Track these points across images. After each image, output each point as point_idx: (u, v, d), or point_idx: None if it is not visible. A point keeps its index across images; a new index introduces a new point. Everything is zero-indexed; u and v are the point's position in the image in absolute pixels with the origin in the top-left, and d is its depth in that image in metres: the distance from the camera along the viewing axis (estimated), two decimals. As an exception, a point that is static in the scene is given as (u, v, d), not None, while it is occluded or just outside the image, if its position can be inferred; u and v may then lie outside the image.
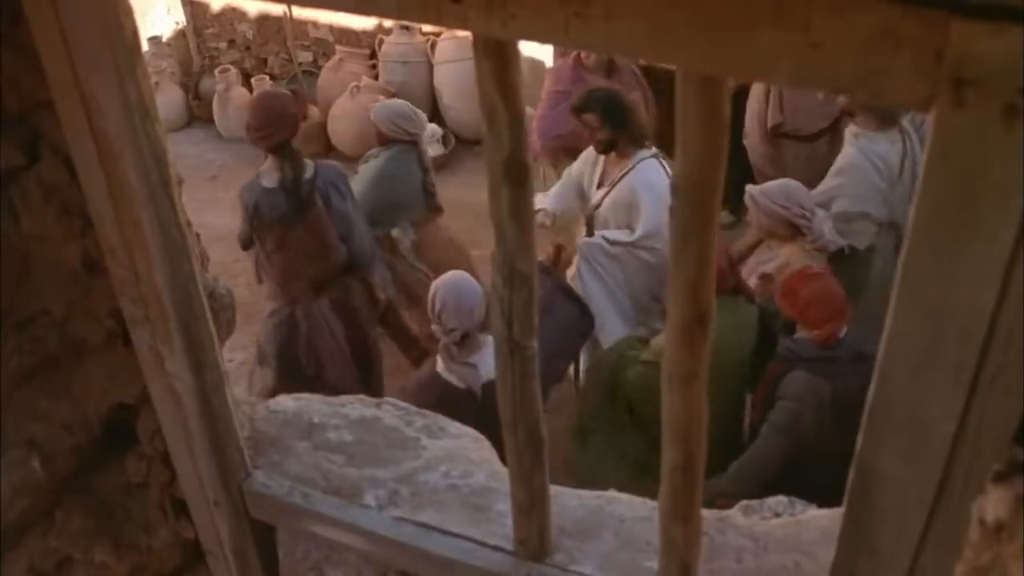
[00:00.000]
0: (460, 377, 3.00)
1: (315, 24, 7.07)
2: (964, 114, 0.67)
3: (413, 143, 4.38)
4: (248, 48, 7.44)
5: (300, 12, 6.96)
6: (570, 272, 3.91)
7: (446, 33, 6.33)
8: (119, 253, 1.29)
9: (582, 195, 4.16)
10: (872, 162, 3.94)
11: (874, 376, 0.87)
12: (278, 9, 6.97)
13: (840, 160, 4.00)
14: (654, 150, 3.98)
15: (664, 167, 3.90)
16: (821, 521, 1.33)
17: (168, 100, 6.97)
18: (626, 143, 3.92)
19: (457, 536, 1.39)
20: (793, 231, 3.61)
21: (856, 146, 3.96)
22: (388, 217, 4.39)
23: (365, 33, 6.84)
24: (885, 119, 3.96)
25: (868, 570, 1.01)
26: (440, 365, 3.06)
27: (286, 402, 1.69)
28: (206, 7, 7.42)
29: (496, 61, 0.92)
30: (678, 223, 0.90)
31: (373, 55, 6.80)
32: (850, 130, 4.02)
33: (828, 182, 3.96)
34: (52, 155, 1.27)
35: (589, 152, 4.13)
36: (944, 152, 0.70)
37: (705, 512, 1.21)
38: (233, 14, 7.36)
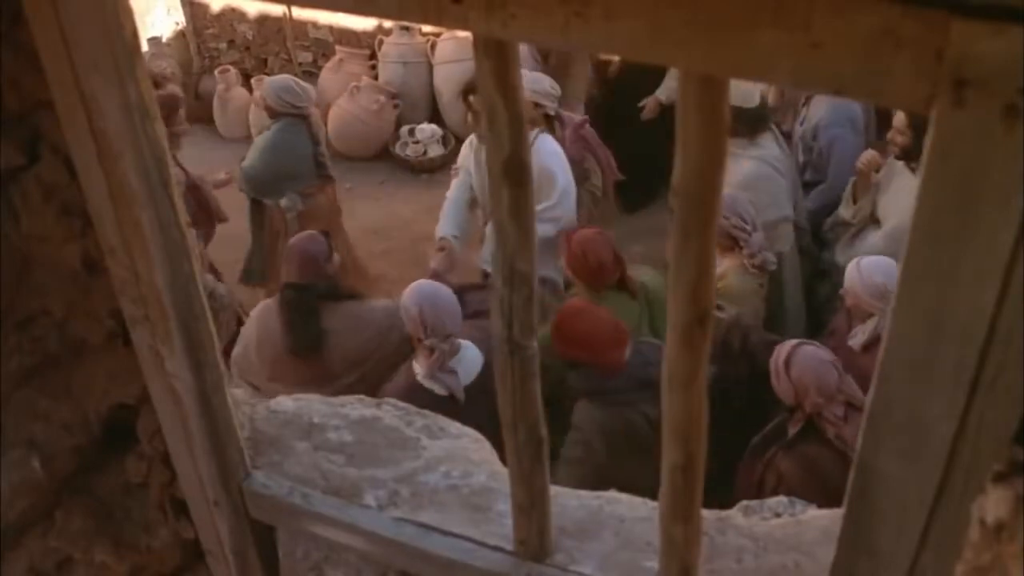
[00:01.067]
0: (444, 384, 2.94)
1: (315, 24, 7.07)
2: (964, 114, 0.67)
3: (301, 116, 4.63)
4: (248, 48, 7.43)
5: (300, 12, 6.95)
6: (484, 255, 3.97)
7: (446, 33, 6.33)
8: (119, 253, 1.29)
9: (474, 200, 4.18)
10: (773, 166, 4.05)
11: (874, 376, 0.87)
12: (278, 9, 6.97)
13: (744, 173, 4.02)
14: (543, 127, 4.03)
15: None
16: (821, 521, 1.33)
17: (168, 100, 6.96)
18: None
19: (457, 536, 1.39)
20: (731, 242, 3.56)
21: (752, 157, 4.03)
22: (278, 187, 4.63)
23: (365, 33, 6.84)
24: (756, 126, 4.06)
25: (868, 570, 1.01)
26: (421, 373, 2.96)
27: (286, 402, 1.69)
28: (206, 7, 7.41)
29: (496, 61, 0.92)
30: (678, 223, 0.90)
31: (373, 55, 6.79)
32: (736, 144, 4.04)
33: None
34: (52, 155, 1.27)
35: (468, 156, 4.14)
36: (944, 152, 0.70)
37: (705, 512, 1.21)
38: (233, 14, 7.35)
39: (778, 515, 1.38)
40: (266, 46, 7.37)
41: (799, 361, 2.85)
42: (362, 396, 1.72)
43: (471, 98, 3.98)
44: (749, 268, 3.54)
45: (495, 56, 0.92)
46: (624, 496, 1.46)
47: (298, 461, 1.55)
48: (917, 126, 3.57)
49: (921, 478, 0.90)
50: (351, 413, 1.65)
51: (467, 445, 1.59)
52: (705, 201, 0.88)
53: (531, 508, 1.29)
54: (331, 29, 7.02)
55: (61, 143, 1.24)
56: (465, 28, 0.84)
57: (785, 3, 0.68)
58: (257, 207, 4.75)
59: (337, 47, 6.95)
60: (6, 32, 1.15)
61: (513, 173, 1.00)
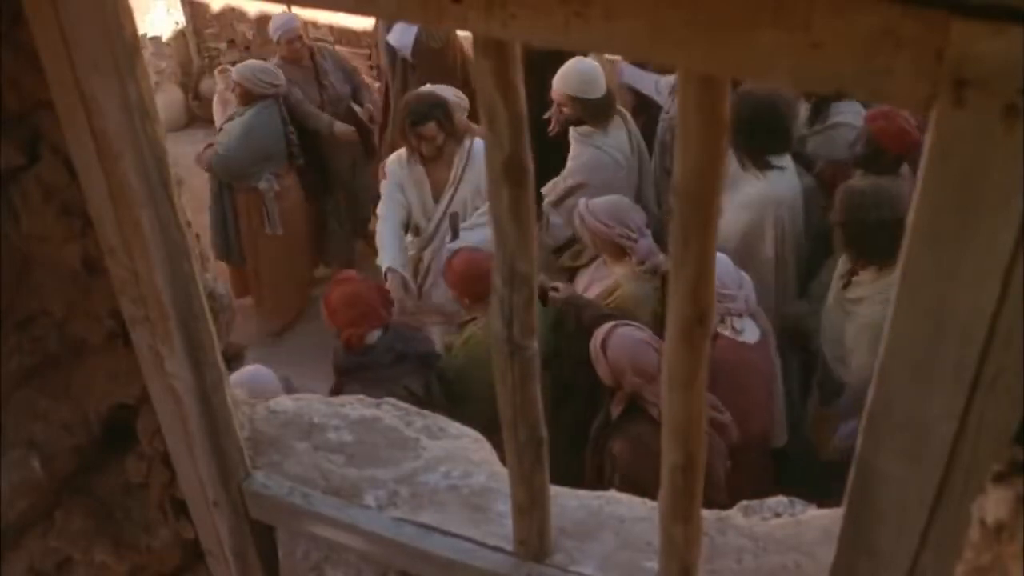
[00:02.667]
0: None
1: (315, 24, 7.06)
2: (964, 114, 0.67)
3: (276, 97, 4.83)
4: (248, 48, 7.42)
5: (300, 12, 6.95)
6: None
7: (446, 33, 6.32)
8: (119, 253, 1.29)
9: (410, 228, 4.18)
10: (611, 155, 4.06)
11: (874, 376, 0.87)
12: (278, 9, 6.96)
13: (579, 158, 4.06)
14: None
15: None
16: (821, 521, 1.33)
17: (168, 100, 6.96)
18: (451, 139, 4.00)
19: (457, 536, 1.39)
20: (619, 251, 3.50)
21: (590, 144, 4.06)
22: (257, 170, 4.78)
23: (365, 33, 6.83)
24: (603, 116, 4.08)
25: (868, 570, 1.01)
26: None
27: (286, 402, 1.69)
28: (206, 7, 7.41)
29: (496, 61, 0.92)
30: (678, 223, 0.90)
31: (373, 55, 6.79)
32: (578, 130, 4.08)
33: (568, 180, 4.02)
34: (52, 155, 1.27)
35: (398, 173, 4.10)
36: (944, 152, 0.70)
37: (705, 512, 1.21)
38: (233, 14, 7.35)
39: (778, 515, 1.38)
40: (266, 46, 7.36)
41: (615, 342, 2.90)
42: (362, 396, 1.72)
43: (422, 128, 3.96)
44: (641, 274, 3.45)
45: (495, 56, 0.92)
46: (624, 496, 1.46)
47: (298, 461, 1.55)
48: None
49: (921, 478, 0.90)
50: (351, 413, 1.65)
51: (467, 445, 1.59)
52: (705, 201, 0.87)
53: (531, 508, 1.29)
54: (331, 29, 7.02)
55: (61, 143, 1.24)
56: (465, 28, 0.84)
57: (785, 3, 0.68)
58: (227, 192, 4.90)
59: (337, 47, 6.94)
60: (6, 32, 1.15)
61: (513, 173, 1.00)
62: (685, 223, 0.89)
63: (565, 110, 4.08)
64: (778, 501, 1.41)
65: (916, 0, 0.65)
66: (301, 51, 5.13)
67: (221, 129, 4.95)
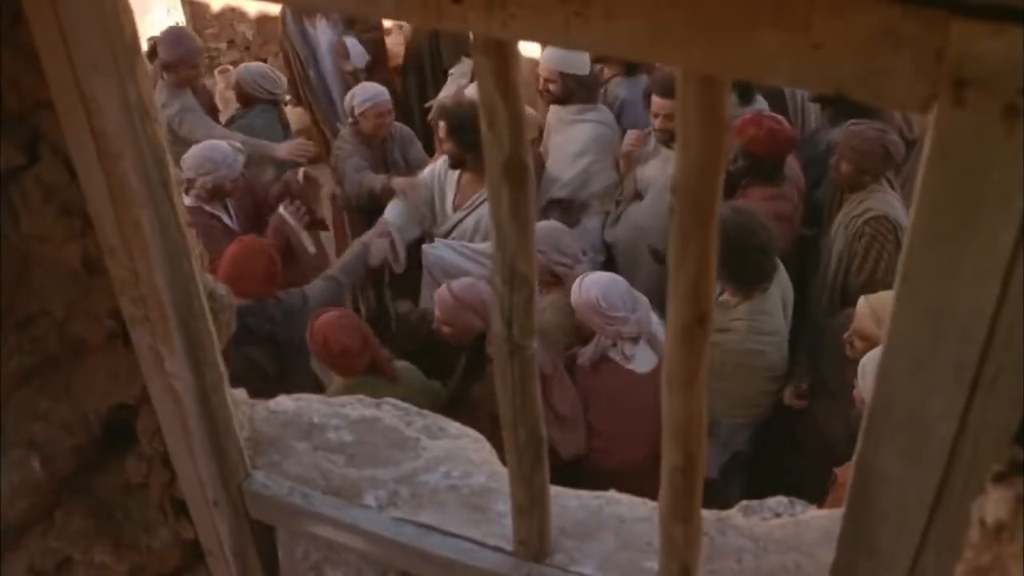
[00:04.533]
0: None
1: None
2: (964, 114, 0.67)
3: (274, 102, 4.81)
4: (248, 48, 7.43)
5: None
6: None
7: (446, 33, 6.33)
8: (119, 253, 1.29)
9: (431, 212, 4.11)
10: (612, 129, 4.10)
11: (875, 376, 0.87)
12: (278, 9, 6.96)
13: (586, 138, 4.04)
14: None
15: None
16: (821, 521, 1.33)
17: (168, 100, 6.95)
18: (476, 162, 3.77)
19: (457, 536, 1.39)
20: (554, 278, 3.41)
21: (590, 120, 4.06)
22: (254, 169, 4.67)
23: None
24: (591, 93, 4.10)
25: (868, 570, 1.01)
26: None
27: (286, 402, 1.69)
28: (206, 7, 7.41)
29: (496, 61, 0.92)
30: (678, 224, 0.90)
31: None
32: (569, 111, 4.08)
33: (576, 164, 4.02)
34: (52, 155, 1.27)
35: (438, 167, 4.06)
36: (944, 152, 0.70)
37: (705, 512, 1.21)
38: (233, 14, 7.35)
39: (778, 515, 1.38)
40: (266, 46, 7.37)
41: (460, 293, 3.08)
42: (362, 396, 1.72)
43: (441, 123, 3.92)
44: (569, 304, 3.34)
45: (495, 56, 0.92)
46: (624, 496, 1.46)
47: (298, 461, 1.55)
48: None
49: (921, 478, 0.90)
50: (351, 413, 1.65)
51: (467, 445, 1.59)
52: (705, 200, 0.88)
53: (531, 508, 1.29)
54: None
55: (61, 143, 1.24)
56: (465, 28, 0.84)
57: (785, 3, 0.68)
58: None
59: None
60: (6, 32, 1.15)
61: (513, 173, 1.00)
62: (684, 223, 0.89)
63: (552, 87, 4.05)
64: (778, 501, 1.41)
65: (916, 0, 0.65)
66: (385, 129, 4.47)
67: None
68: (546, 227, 3.45)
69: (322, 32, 5.43)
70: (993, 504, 0.81)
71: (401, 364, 3.29)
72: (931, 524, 0.92)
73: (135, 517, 1.61)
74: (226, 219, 3.96)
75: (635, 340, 3.16)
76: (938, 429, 0.85)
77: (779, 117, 3.84)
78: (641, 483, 3.25)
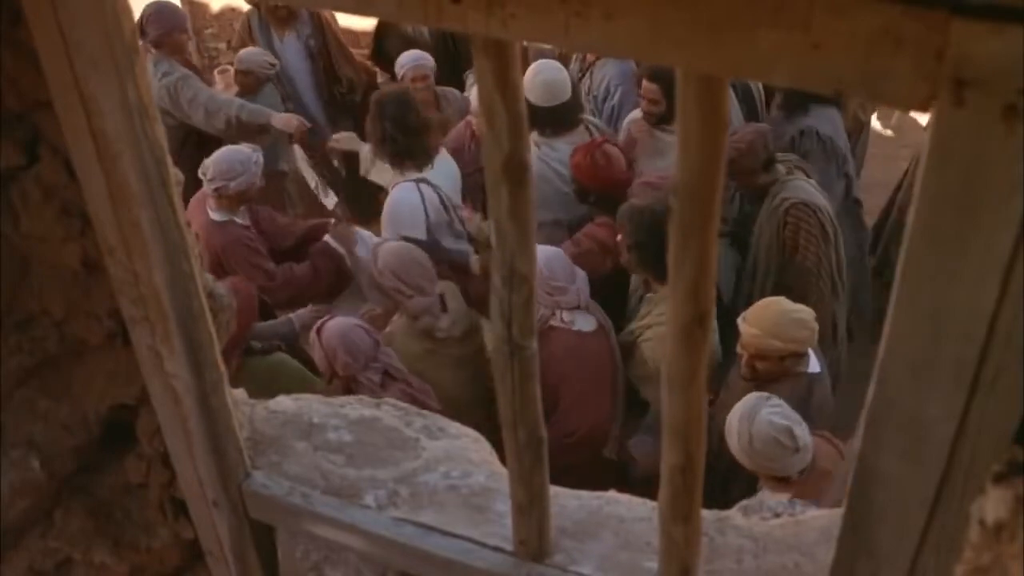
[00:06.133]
0: None
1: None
2: (964, 114, 0.67)
3: (272, 80, 5.02)
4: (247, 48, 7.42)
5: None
6: None
7: (446, 33, 6.32)
8: (118, 253, 1.29)
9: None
10: (554, 170, 4.05)
11: (874, 376, 0.87)
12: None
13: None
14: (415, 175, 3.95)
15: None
16: (821, 521, 1.33)
17: (168, 100, 6.95)
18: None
19: (457, 536, 1.39)
20: (393, 302, 3.42)
21: (535, 155, 3.99)
22: (275, 152, 4.83)
23: (365, 33, 6.83)
24: (559, 124, 4.07)
25: (868, 570, 1.01)
26: None
27: (286, 402, 1.69)
28: (206, 7, 7.40)
29: (496, 61, 0.92)
30: (678, 223, 0.90)
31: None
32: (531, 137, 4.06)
33: None
34: (52, 155, 1.27)
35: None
36: (944, 152, 0.70)
37: (705, 512, 1.21)
38: (233, 14, 7.34)
39: (778, 515, 1.38)
40: (265, 46, 7.37)
41: (328, 327, 3.02)
42: (362, 396, 1.72)
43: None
44: (414, 331, 3.36)
45: (495, 56, 0.92)
46: (624, 496, 1.47)
47: (298, 461, 1.55)
48: (670, 95, 3.68)
49: (921, 478, 0.90)
50: (351, 413, 1.65)
51: (467, 445, 1.59)
52: (705, 200, 0.87)
53: (531, 508, 1.29)
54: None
55: (60, 143, 1.24)
56: (465, 28, 0.84)
57: (785, 3, 0.68)
58: None
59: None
60: (6, 32, 1.15)
61: (513, 173, 1.00)
62: (685, 223, 0.89)
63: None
64: (778, 501, 1.41)
65: (916, 0, 0.65)
66: (429, 92, 4.75)
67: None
68: (400, 250, 3.49)
69: (288, 43, 5.41)
70: (993, 504, 0.81)
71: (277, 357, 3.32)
72: (931, 524, 0.92)
73: (135, 517, 1.61)
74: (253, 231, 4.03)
75: (573, 311, 3.25)
76: (938, 429, 0.85)
77: (609, 152, 3.87)
78: (597, 448, 3.30)
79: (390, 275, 3.36)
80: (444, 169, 4.06)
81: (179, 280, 1.31)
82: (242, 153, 3.88)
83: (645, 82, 4.06)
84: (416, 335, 3.36)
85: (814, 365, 3.14)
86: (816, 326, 3.07)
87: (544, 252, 3.20)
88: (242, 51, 5.16)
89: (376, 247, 3.55)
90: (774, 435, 2.64)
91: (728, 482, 2.93)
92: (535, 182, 3.54)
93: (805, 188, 3.70)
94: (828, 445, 2.83)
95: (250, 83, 4.91)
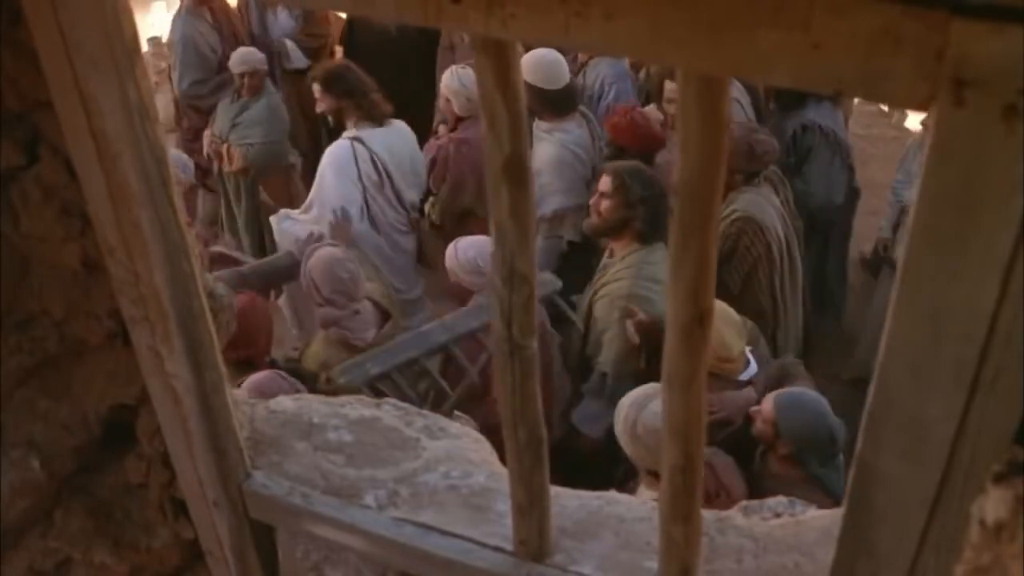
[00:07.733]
0: None
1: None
2: (964, 114, 0.67)
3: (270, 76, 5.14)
4: (247, 48, 7.42)
5: (300, 12, 6.94)
6: None
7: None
8: (118, 253, 1.29)
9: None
10: (574, 153, 4.05)
11: (874, 376, 0.87)
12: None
13: (545, 159, 4.00)
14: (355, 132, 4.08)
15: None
16: (821, 521, 1.33)
17: (167, 100, 6.95)
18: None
19: (457, 536, 1.39)
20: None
21: (553, 141, 4.02)
22: (286, 148, 4.98)
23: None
24: (563, 107, 4.06)
25: (868, 570, 1.01)
26: None
27: (286, 402, 1.69)
28: (206, 7, 7.39)
29: (496, 61, 0.92)
30: (678, 222, 0.90)
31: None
32: (539, 126, 4.06)
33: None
34: (52, 155, 1.27)
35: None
36: (944, 152, 0.70)
37: (705, 512, 1.21)
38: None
39: (778, 515, 1.38)
40: (265, 46, 7.36)
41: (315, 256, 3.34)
42: (362, 396, 1.72)
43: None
44: (332, 341, 3.35)
45: (495, 56, 0.92)
46: (624, 496, 1.47)
47: (298, 461, 1.55)
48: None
49: (921, 478, 0.90)
50: (351, 413, 1.65)
51: (467, 445, 1.59)
52: (705, 200, 0.88)
53: (531, 508, 1.29)
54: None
55: (60, 143, 1.24)
56: (464, 28, 0.84)
57: (785, 3, 0.68)
58: (253, 184, 4.96)
59: (337, 47, 6.94)
60: (6, 32, 1.15)
61: (513, 173, 1.00)
62: (685, 223, 0.89)
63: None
64: (778, 501, 1.41)
65: (916, 0, 0.65)
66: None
67: (235, 124, 4.95)
68: (327, 257, 3.45)
69: (283, 21, 5.61)
70: (993, 504, 0.81)
71: None
72: (931, 524, 0.92)
73: (135, 517, 1.61)
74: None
75: None
76: (938, 429, 0.85)
77: (647, 114, 3.87)
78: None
79: (319, 283, 3.38)
80: (391, 139, 4.17)
81: (179, 280, 1.31)
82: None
83: (668, 83, 4.02)
84: (333, 345, 3.35)
85: (750, 371, 3.13)
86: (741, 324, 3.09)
87: (476, 243, 3.32)
88: (240, 53, 5.16)
89: (310, 251, 3.53)
90: (659, 427, 2.63)
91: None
92: (559, 168, 3.53)
93: (757, 202, 3.64)
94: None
95: (256, 84, 4.91)
